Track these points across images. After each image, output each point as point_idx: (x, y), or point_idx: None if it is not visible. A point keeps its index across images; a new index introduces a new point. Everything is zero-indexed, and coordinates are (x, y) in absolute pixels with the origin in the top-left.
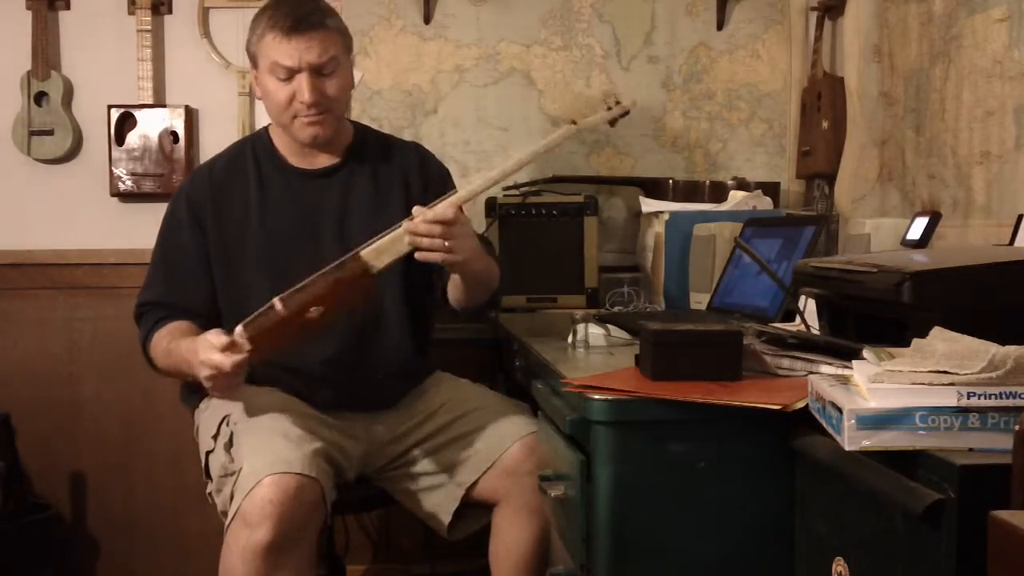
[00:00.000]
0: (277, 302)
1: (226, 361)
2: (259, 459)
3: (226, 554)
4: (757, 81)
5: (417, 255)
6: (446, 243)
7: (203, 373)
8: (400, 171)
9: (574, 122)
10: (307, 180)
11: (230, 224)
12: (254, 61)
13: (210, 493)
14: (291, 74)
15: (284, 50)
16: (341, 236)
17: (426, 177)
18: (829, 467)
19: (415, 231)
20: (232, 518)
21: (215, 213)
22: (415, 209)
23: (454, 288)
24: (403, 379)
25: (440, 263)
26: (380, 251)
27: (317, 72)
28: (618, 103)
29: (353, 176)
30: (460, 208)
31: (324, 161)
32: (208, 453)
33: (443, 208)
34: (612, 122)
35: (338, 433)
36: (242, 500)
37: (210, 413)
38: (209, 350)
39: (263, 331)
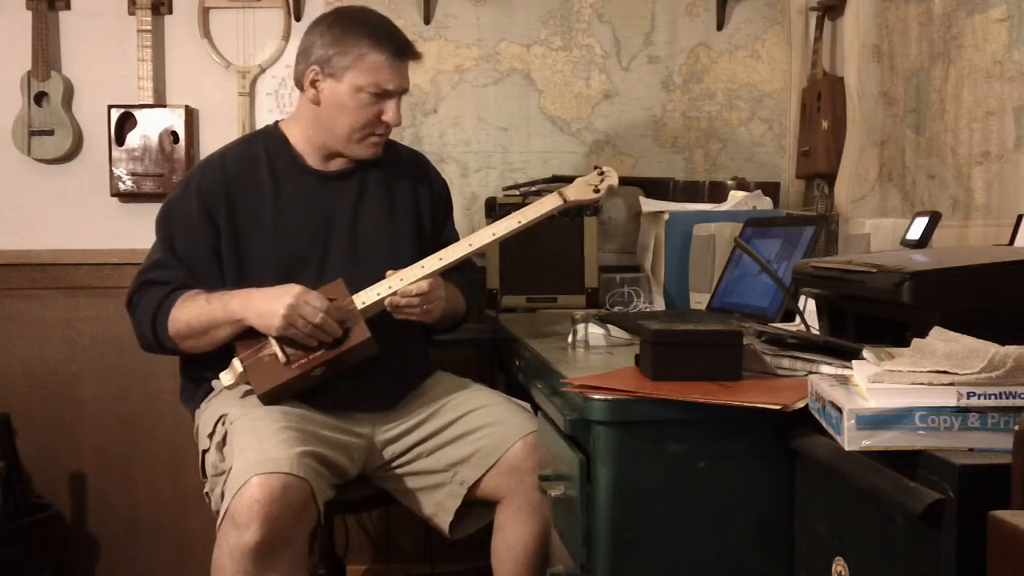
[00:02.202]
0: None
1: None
2: (248, 459)
3: (217, 554)
4: (757, 81)
5: (394, 315)
6: (423, 308)
7: (293, 291)
8: (409, 180)
9: (563, 198)
10: (323, 181)
11: (243, 220)
12: (333, 72)
13: (207, 492)
14: (384, 97)
15: (389, 75)
16: (352, 238)
17: (431, 189)
18: (829, 467)
19: (396, 304)
20: (222, 518)
21: (228, 208)
22: (389, 273)
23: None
24: (405, 379)
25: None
26: (367, 306)
27: (401, 96)
28: (601, 174)
29: (366, 181)
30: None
31: (339, 164)
32: (204, 452)
33: (421, 282)
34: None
35: (340, 433)
36: (231, 500)
37: (209, 413)
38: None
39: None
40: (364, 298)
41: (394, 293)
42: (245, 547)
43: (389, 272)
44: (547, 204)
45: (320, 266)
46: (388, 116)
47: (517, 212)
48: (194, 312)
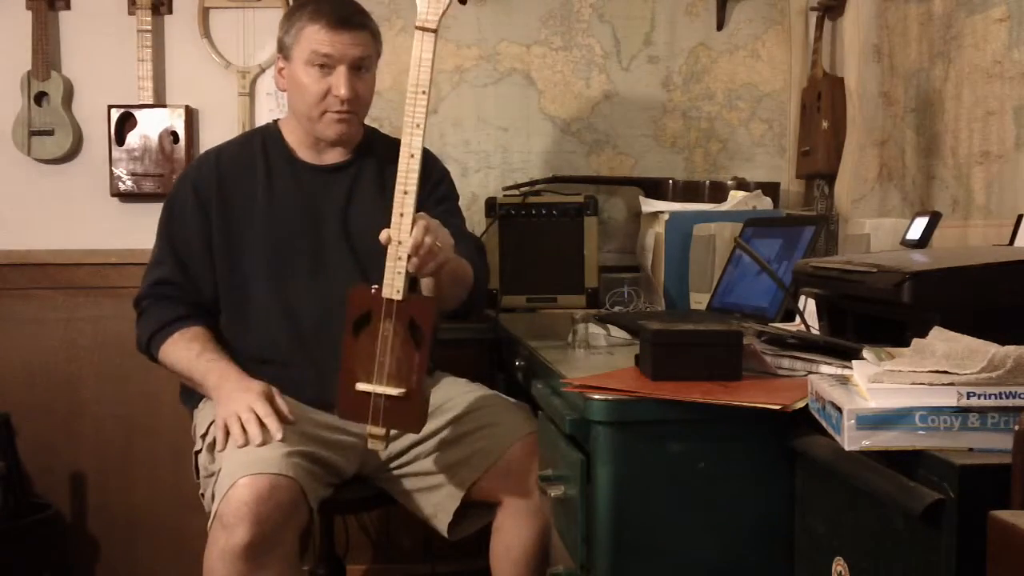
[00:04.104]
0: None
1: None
2: (236, 460)
3: (207, 556)
4: (757, 81)
5: (418, 273)
6: (436, 244)
7: (253, 401)
8: None
9: (422, 28)
10: (315, 174)
11: (235, 212)
12: (286, 54)
13: (202, 493)
14: (329, 67)
15: (328, 41)
16: (344, 231)
17: (429, 179)
18: (829, 467)
19: (418, 266)
20: (212, 519)
21: (220, 200)
22: (383, 237)
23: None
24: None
25: (437, 270)
26: (403, 293)
27: (354, 69)
28: None
29: (360, 174)
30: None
31: (333, 157)
32: (196, 453)
33: (418, 224)
34: None
35: (334, 432)
36: (220, 502)
37: (204, 413)
38: (259, 400)
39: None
40: (397, 286)
41: (411, 257)
42: (235, 548)
43: (383, 236)
44: (426, 49)
45: (313, 257)
46: (338, 90)
47: (412, 90)
48: (182, 362)
